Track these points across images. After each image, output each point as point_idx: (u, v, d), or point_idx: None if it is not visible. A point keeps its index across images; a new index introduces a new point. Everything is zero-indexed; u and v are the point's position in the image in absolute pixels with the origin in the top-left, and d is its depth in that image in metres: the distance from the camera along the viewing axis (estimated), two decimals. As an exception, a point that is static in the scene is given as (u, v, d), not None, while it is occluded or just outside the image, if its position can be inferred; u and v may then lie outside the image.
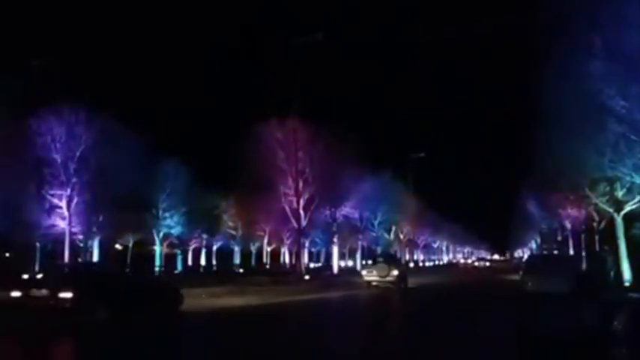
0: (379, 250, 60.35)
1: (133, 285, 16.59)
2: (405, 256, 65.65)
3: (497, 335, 12.86)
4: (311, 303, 22.55)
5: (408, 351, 11.23)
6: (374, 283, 30.63)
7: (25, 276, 23.51)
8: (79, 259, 36.07)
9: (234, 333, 13.87)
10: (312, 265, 55.82)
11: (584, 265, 36.76)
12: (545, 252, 63.47)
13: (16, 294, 14.65)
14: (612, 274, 27.78)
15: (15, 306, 14.48)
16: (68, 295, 13.80)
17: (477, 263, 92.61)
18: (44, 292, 14.26)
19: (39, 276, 20.74)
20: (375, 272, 31.04)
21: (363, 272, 33.43)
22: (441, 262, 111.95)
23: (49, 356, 11.37)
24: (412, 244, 74.55)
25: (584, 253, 39.89)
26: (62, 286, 14.11)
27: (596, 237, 35.80)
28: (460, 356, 10.61)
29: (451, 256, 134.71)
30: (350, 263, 63.75)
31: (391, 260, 34.27)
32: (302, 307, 20.96)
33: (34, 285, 15.47)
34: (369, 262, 38.07)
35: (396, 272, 30.86)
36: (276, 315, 18.46)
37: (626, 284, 24.61)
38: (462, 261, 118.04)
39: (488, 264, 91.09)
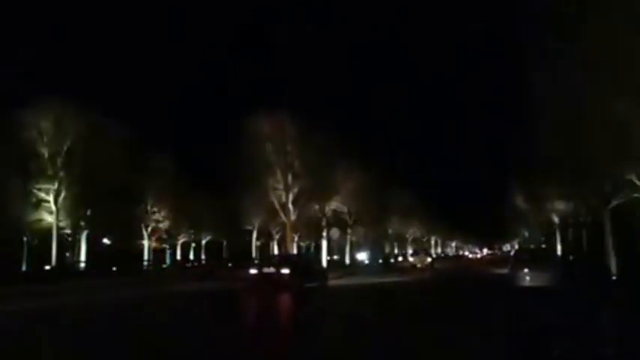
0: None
1: (309, 267, 27.17)
2: (393, 250, 72.29)
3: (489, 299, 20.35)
4: (383, 283, 29.94)
5: (449, 291, 24.72)
6: (418, 265, 50.98)
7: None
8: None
9: (375, 293, 24.53)
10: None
11: (570, 259, 37.04)
12: (532, 246, 63.68)
13: (254, 271, 25.28)
14: (598, 267, 27.93)
15: (254, 279, 24.22)
16: (287, 271, 23.41)
17: (470, 255, 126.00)
18: (272, 269, 24.13)
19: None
20: (417, 259, 54.29)
21: (411, 259, 56.64)
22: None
23: (286, 301, 20.48)
24: (401, 238, 74.77)
25: (571, 247, 40.15)
26: (283, 266, 23.91)
27: (584, 231, 35.97)
28: (473, 293, 21.92)
29: (439, 250, 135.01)
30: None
31: (427, 252, 61.10)
32: (391, 284, 29.12)
33: (265, 265, 25.91)
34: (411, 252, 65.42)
35: (429, 259, 55.66)
36: (386, 287, 27.68)
37: (613, 278, 24.74)
38: (466, 253, 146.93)
39: (479, 256, 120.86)
